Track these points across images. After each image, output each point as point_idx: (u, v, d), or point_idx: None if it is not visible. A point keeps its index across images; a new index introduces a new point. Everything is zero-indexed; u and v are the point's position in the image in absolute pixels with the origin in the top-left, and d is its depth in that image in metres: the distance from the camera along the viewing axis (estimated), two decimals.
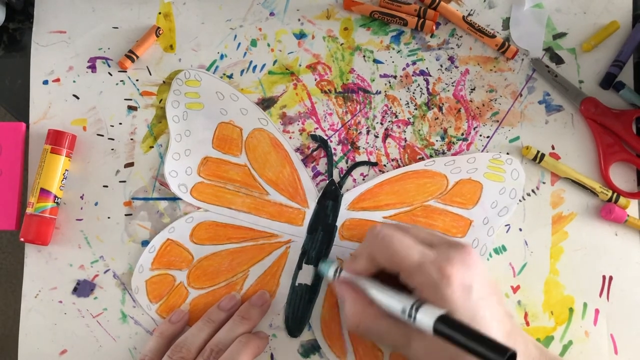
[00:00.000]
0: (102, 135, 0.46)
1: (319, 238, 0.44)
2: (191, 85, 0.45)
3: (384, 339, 0.37)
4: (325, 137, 0.46)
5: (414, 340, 0.36)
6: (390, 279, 0.37)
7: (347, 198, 0.45)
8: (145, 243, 0.45)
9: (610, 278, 0.44)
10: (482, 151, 0.46)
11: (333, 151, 0.46)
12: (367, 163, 0.45)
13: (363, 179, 0.45)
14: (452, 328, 0.32)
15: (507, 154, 0.45)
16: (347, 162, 0.46)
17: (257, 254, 0.44)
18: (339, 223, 0.44)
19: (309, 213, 0.44)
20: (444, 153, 0.46)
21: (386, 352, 0.43)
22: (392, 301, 0.36)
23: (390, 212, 0.44)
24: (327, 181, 0.45)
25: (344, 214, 0.44)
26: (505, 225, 0.45)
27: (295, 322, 0.43)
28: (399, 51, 0.47)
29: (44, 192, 0.43)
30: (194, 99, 0.45)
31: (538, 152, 0.45)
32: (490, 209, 0.44)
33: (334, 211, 0.44)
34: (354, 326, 0.38)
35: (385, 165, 0.45)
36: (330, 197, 0.45)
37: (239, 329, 0.41)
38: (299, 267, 0.44)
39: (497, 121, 0.46)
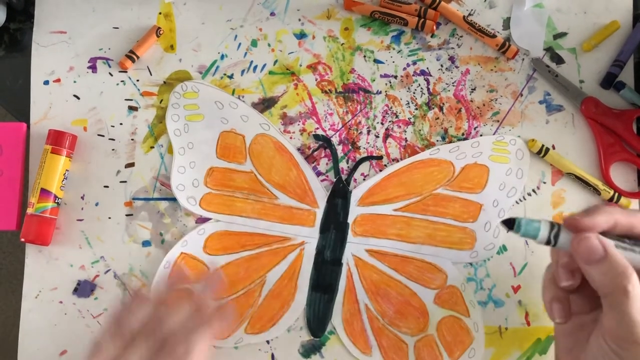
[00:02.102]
0: (103, 136, 0.46)
1: (332, 237, 0.44)
2: (189, 97, 0.45)
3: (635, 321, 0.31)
4: (327, 137, 0.46)
5: None
6: None
7: (356, 194, 0.45)
8: (146, 243, 0.45)
9: None
10: None
11: (334, 152, 0.46)
12: (373, 157, 0.45)
13: (364, 179, 0.45)
14: None
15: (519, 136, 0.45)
16: (347, 162, 0.46)
17: (272, 259, 0.44)
18: (350, 220, 0.44)
19: (320, 213, 0.45)
20: None
21: (410, 343, 0.43)
22: None
23: (400, 203, 0.44)
24: (332, 180, 0.45)
25: (355, 211, 0.44)
26: None
27: (317, 323, 0.43)
28: (399, 51, 0.47)
29: (45, 193, 0.43)
30: (194, 111, 0.45)
31: (543, 145, 0.45)
32: (498, 191, 0.44)
33: (344, 209, 0.44)
34: (620, 284, 0.32)
35: (385, 165, 0.45)
36: (339, 195, 0.45)
37: (183, 311, 0.37)
38: (314, 268, 0.44)
39: (498, 121, 0.46)
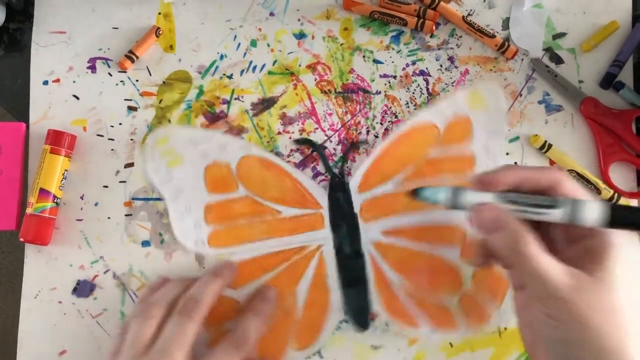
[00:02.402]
0: (102, 136, 0.46)
1: (344, 231, 0.44)
2: (162, 144, 0.44)
3: (549, 275, 0.33)
4: (309, 137, 0.45)
5: (581, 280, 0.33)
6: None
7: (354, 183, 0.45)
8: (145, 243, 0.45)
9: None
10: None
11: (333, 151, 0.46)
12: (357, 143, 0.45)
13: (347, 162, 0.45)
14: (627, 212, 0.31)
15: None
16: (347, 162, 0.46)
17: (296, 272, 0.44)
18: (356, 209, 0.44)
19: (325, 212, 0.44)
20: None
21: (453, 304, 0.43)
22: (549, 211, 0.34)
23: (398, 177, 0.45)
24: (329, 177, 0.45)
25: (357, 199, 0.44)
26: None
27: (360, 317, 0.43)
28: (398, 51, 0.47)
29: (44, 192, 0.43)
30: (172, 156, 0.45)
31: (546, 141, 0.45)
32: (485, 136, 0.45)
33: (347, 200, 0.44)
34: (517, 250, 0.33)
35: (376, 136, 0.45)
36: (338, 190, 0.45)
37: (212, 283, 0.40)
38: (338, 266, 0.44)
39: None
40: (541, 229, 0.36)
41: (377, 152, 0.45)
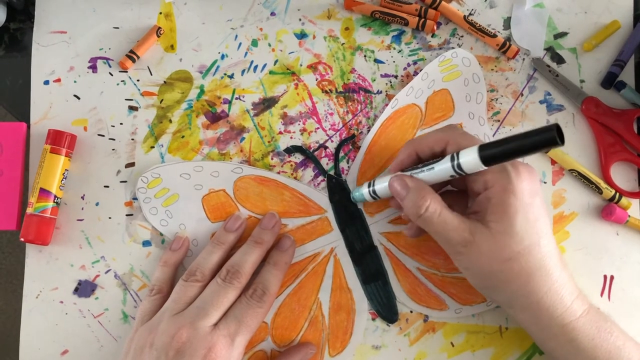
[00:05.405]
0: (103, 136, 0.46)
1: (353, 229, 0.44)
2: (155, 185, 0.44)
3: (448, 232, 0.36)
4: (301, 144, 0.45)
5: (477, 234, 0.36)
6: None
7: (352, 180, 0.45)
8: (146, 243, 0.45)
9: (612, 278, 0.44)
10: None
11: (333, 151, 0.46)
12: (345, 140, 0.45)
13: (348, 162, 0.45)
14: (495, 147, 0.32)
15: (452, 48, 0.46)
16: (348, 162, 0.46)
17: (314, 279, 0.44)
18: (360, 205, 0.45)
19: (331, 215, 0.45)
20: None
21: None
22: (436, 165, 0.36)
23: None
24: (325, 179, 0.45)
25: None
26: None
27: (387, 310, 0.44)
28: (399, 51, 0.47)
29: (44, 192, 0.43)
30: (166, 195, 0.44)
31: None
32: (467, 103, 0.45)
33: (349, 199, 0.45)
34: (419, 212, 0.37)
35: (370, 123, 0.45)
36: (338, 190, 0.45)
37: (253, 253, 0.41)
38: (355, 264, 0.44)
39: (498, 121, 0.46)
40: (452, 192, 0.40)
41: (366, 145, 0.45)
